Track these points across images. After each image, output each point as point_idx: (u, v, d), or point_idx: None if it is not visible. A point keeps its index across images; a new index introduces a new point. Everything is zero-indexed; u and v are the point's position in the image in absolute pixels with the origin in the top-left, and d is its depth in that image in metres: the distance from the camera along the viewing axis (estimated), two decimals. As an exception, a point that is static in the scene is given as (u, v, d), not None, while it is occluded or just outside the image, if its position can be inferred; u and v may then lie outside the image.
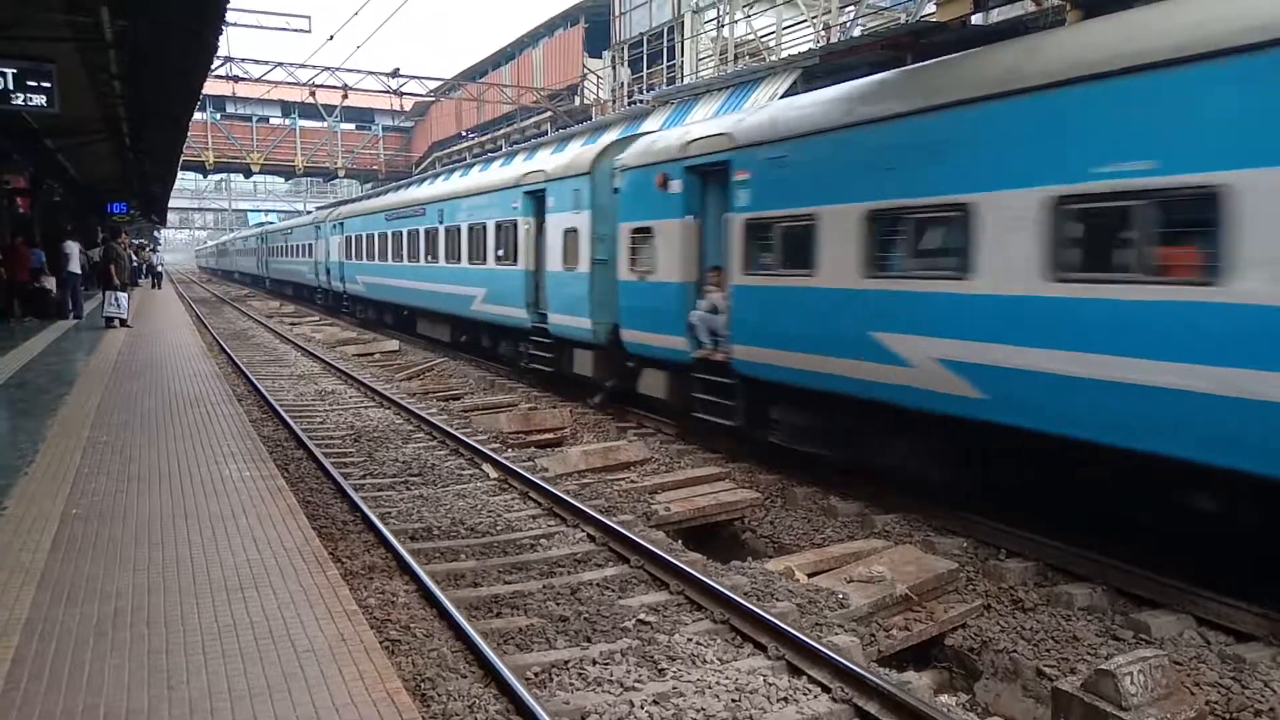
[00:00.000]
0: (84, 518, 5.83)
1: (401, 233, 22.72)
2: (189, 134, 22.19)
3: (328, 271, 32.36)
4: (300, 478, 9.05)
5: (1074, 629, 6.27)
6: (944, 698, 5.63)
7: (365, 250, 26.51)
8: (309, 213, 47.82)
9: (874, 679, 4.74)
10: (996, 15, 11.46)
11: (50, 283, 20.01)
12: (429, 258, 20.36)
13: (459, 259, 18.22)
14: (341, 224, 30.18)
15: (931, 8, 14.98)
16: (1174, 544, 6.71)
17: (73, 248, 19.86)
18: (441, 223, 19.47)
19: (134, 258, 29.11)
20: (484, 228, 16.73)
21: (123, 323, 18.61)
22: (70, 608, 4.41)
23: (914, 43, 9.13)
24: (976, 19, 11.11)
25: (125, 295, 18.84)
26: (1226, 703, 5.31)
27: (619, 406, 13.69)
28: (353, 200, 36.05)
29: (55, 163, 21.46)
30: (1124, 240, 6.14)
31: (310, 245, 35.84)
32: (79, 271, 20.30)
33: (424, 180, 27.12)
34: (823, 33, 20.84)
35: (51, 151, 19.55)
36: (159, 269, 42.71)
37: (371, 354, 21.26)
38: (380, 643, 4.59)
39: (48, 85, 10.77)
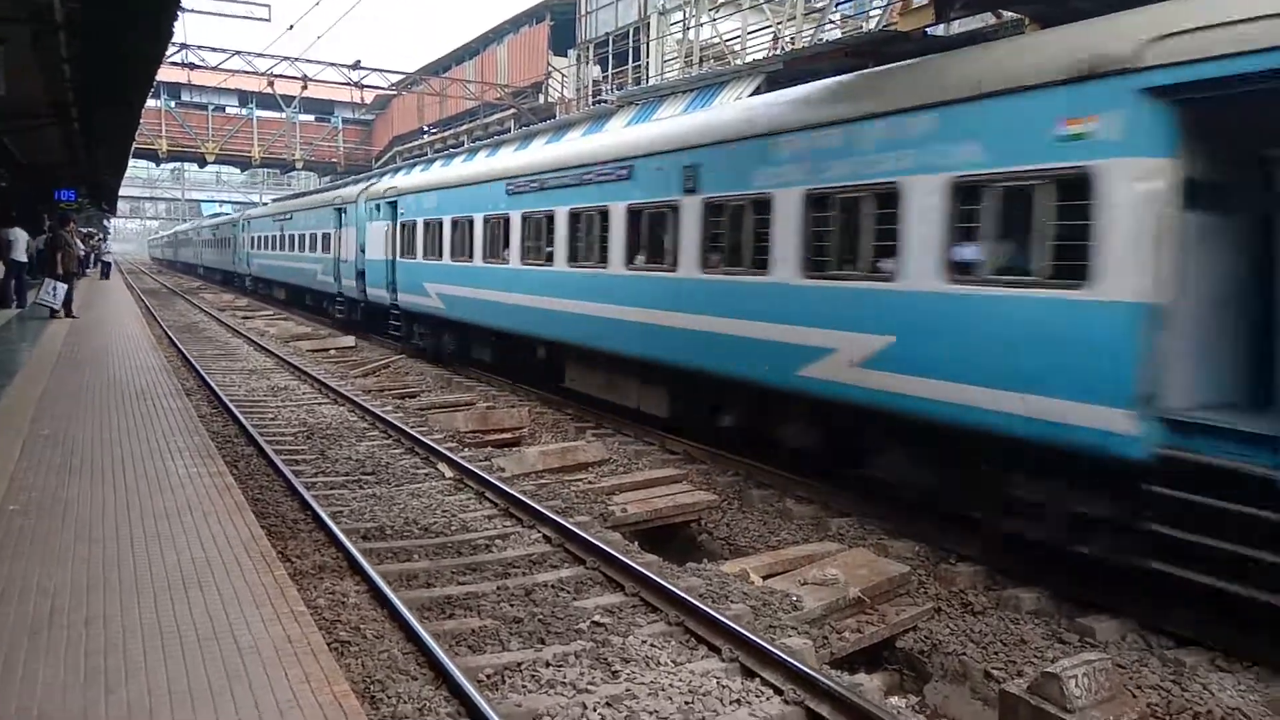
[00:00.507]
0: (22, 512, 5.65)
1: (547, 216, 13.32)
2: (142, 121, 21.68)
3: (359, 274, 22.45)
4: (249, 475, 8.87)
5: (1022, 632, 6.38)
6: (894, 699, 5.68)
7: (449, 244, 17.07)
8: (314, 191, 37.44)
9: (826, 681, 4.77)
10: (958, 26, 11.64)
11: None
12: (650, 260, 11.03)
13: (764, 266, 9.10)
14: (393, 204, 20.12)
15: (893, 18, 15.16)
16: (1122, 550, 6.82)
17: (17, 234, 19.24)
18: (696, 190, 10.03)
19: (82, 246, 28.29)
20: (901, 190, 7.55)
21: (67, 312, 18.09)
22: (4, 606, 4.26)
23: (877, 51, 9.23)
24: (938, 30, 11.25)
25: (63, 286, 18.29)
26: (1167, 705, 5.44)
27: (578, 405, 13.62)
28: (407, 163, 26.15)
29: (1, 147, 20.80)
30: None
31: (325, 236, 26.13)
32: (24, 259, 19.67)
33: (605, 117, 15.55)
34: (783, 41, 21.00)
35: (-3, 135, 18.96)
36: (106, 258, 40.46)
37: (326, 349, 20.95)
38: (329, 644, 4.51)
39: (-7, 67, 10.44)
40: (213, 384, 13.79)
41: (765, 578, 6.86)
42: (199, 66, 33.35)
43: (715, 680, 4.98)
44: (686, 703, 4.73)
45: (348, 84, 36.57)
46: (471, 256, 16.03)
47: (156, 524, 5.58)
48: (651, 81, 24.69)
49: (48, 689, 3.52)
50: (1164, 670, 5.80)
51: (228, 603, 4.44)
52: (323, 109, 53.42)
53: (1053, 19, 7.48)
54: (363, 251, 22.17)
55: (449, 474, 9.33)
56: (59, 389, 10.07)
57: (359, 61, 35.17)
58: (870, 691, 5.03)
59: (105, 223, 62.59)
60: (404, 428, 11.02)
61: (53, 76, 13.58)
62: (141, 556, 5.01)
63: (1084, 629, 6.33)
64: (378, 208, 21.25)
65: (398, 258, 19.68)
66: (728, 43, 23.93)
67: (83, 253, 27.42)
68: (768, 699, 4.84)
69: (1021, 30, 8.61)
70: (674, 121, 11.93)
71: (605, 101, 23.45)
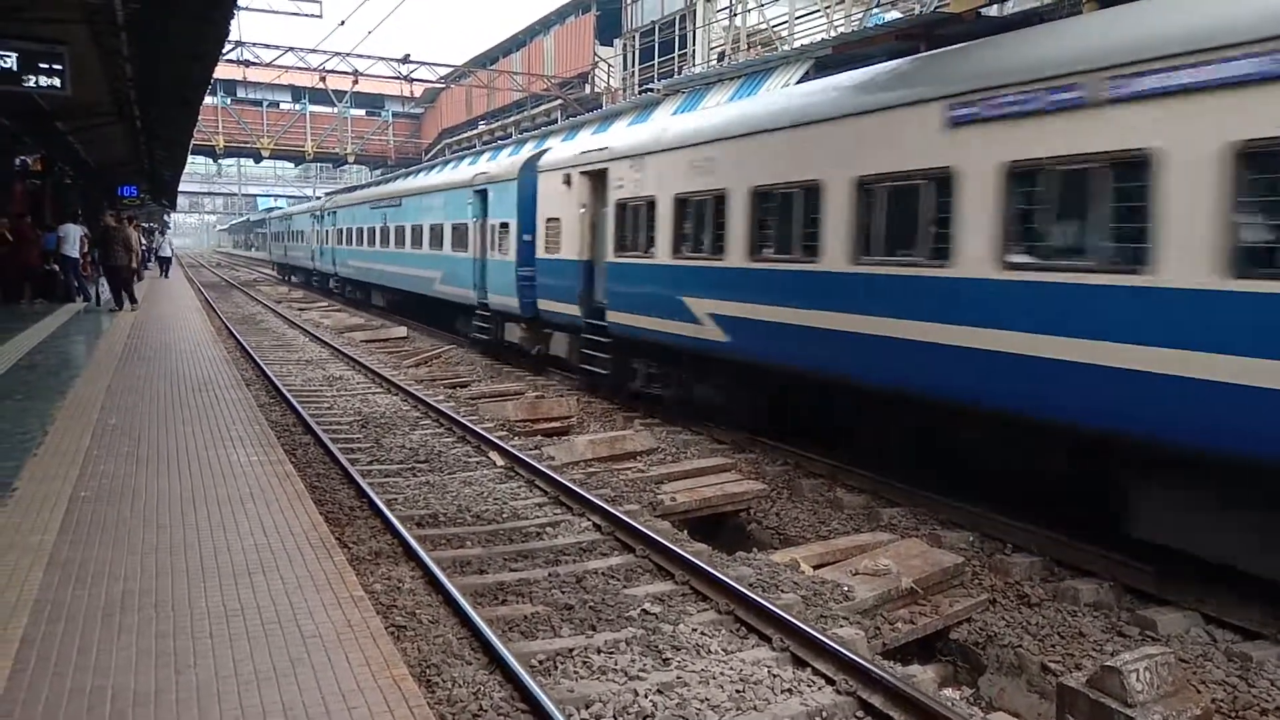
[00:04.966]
0: (92, 500, 5.85)
1: None
2: (199, 118, 22.19)
3: None
4: (307, 463, 9.08)
5: (1080, 625, 6.27)
6: (948, 691, 5.63)
7: None
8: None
9: (878, 671, 4.73)
10: (1012, 6, 11.37)
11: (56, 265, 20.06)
12: None
13: None
14: None
15: (946, -2, 14.85)
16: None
17: (69, 230, 19.80)
18: None
19: (142, 241, 28.78)
20: None
21: (119, 304, 18.60)
22: (79, 589, 4.43)
23: (928, 34, 9.06)
24: (991, 11, 11.01)
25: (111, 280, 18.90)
26: (1232, 701, 5.31)
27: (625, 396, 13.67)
28: None
29: (66, 145, 21.50)
30: None
31: None
32: (75, 255, 20.21)
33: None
34: (836, 23, 20.70)
35: (62, 134, 19.58)
36: (165, 253, 38.44)
37: (379, 340, 21.29)
38: (386, 628, 4.59)
39: (60, 67, 10.78)
40: (271, 374, 14.12)
41: (816, 568, 6.83)
42: (253, 63, 34.03)
43: (766, 669, 4.98)
44: (738, 691, 4.74)
45: (397, 78, 37.00)
46: None
47: (220, 511, 5.74)
48: (697, 69, 24.56)
49: (121, 669, 3.66)
50: (1229, 665, 5.65)
51: (290, 588, 4.56)
52: (373, 103, 54.15)
53: (1112, -3, 7.26)
54: None
55: (500, 462, 9.44)
56: (124, 381, 10.40)
57: (408, 55, 35.56)
58: (924, 683, 4.98)
59: (165, 218, 64.09)
60: (455, 417, 11.18)
61: (115, 76, 13.99)
62: (207, 542, 5.16)
63: (1145, 622, 6.20)
64: None
65: None
66: (775, 28, 23.67)
67: (143, 247, 27.87)
68: (819, 689, 4.83)
69: (1079, 9, 8.38)
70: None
71: (651, 90, 23.40)
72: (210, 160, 55.32)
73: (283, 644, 3.93)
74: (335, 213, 35.18)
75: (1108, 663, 5.02)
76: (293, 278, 48.91)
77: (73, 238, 19.84)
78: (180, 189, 51.01)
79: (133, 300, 18.93)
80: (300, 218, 45.27)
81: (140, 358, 12.38)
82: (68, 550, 4.93)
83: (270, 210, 66.19)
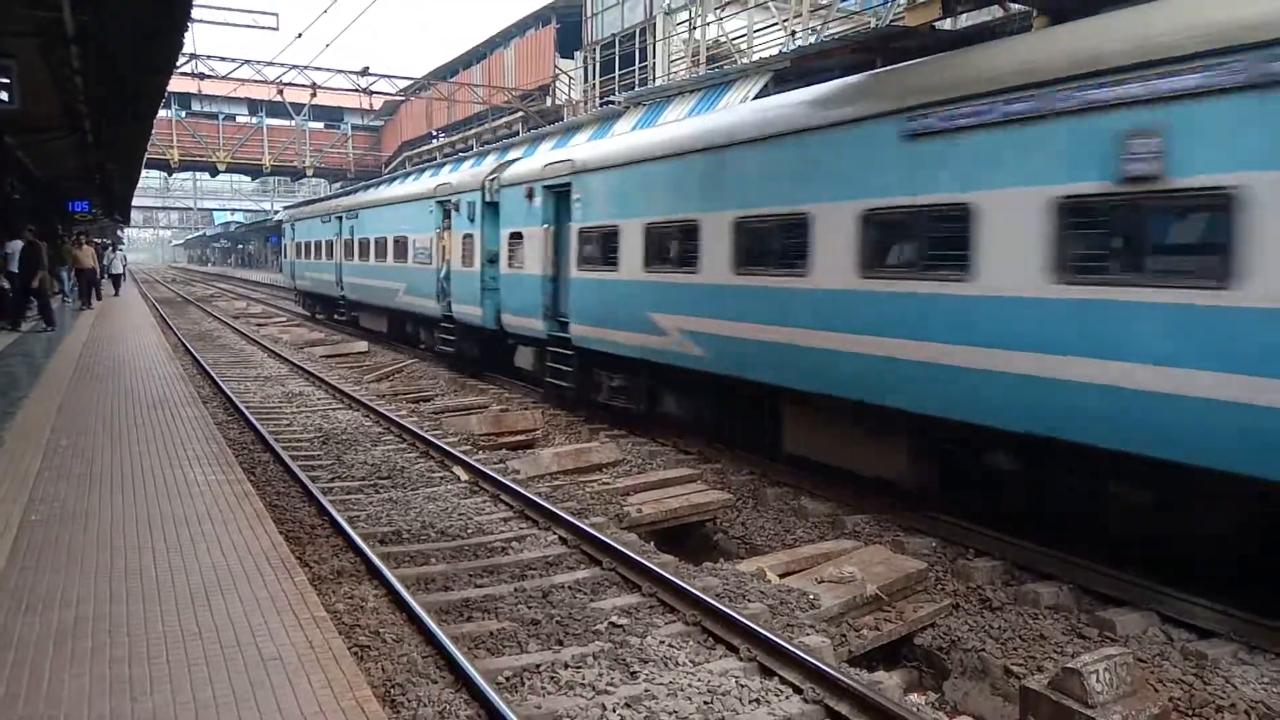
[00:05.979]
0: (43, 523, 5.70)
1: None
2: (154, 131, 21.81)
3: None
4: (267, 481, 8.93)
5: (1041, 627, 6.36)
6: (914, 697, 5.68)
7: None
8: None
9: (845, 679, 4.77)
10: (965, 20, 11.59)
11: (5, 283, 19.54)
12: None
13: None
14: None
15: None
16: (1137, 542, 6.82)
17: (15, 246, 19.33)
18: None
19: (93, 255, 27.85)
20: None
21: (11, 326, 18.27)
22: (29, 616, 4.31)
23: (884, 47, 9.21)
24: (945, 24, 11.21)
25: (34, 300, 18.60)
26: (1189, 699, 5.41)
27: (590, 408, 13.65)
28: None
29: (14, 160, 21.00)
30: None
31: None
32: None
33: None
34: (792, 37, 20.93)
35: (10, 148, 19.14)
36: (118, 270, 36.64)
37: (340, 355, 21.04)
38: (349, 649, 4.54)
39: (7, 81, 10.56)
40: (228, 391, 13.88)
41: (782, 576, 6.86)
42: (209, 76, 33.52)
43: (734, 680, 4.99)
44: (705, 703, 4.74)
45: (356, 90, 36.71)
46: None
47: (177, 532, 5.62)
48: (658, 82, 24.69)
49: (73, 699, 3.56)
50: (1185, 664, 5.77)
51: (249, 610, 4.47)
52: (332, 116, 53.66)
53: (1060, 13, 7.45)
54: None
55: (464, 477, 9.36)
56: (77, 400, 10.16)
57: (367, 68, 35.30)
58: (889, 689, 5.02)
59: (119, 233, 62.58)
60: (418, 431, 11.07)
61: (65, 89, 13.71)
62: (163, 565, 5.05)
63: (1104, 623, 6.30)
64: None
65: None
66: (734, 41, 23.88)
67: (90, 267, 26.94)
68: (787, 698, 4.85)
69: (1029, 24, 8.57)
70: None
71: (613, 103, 23.48)
72: (165, 174, 54.39)
73: (242, 667, 3.86)
74: (578, 184, 12.70)
75: (1068, 664, 5.09)
76: (331, 315, 28.58)
77: (19, 255, 19.34)
78: (134, 203, 50.00)
79: (14, 322, 18.49)
80: (388, 211, 21.88)
81: (93, 376, 12.10)
82: (17, 576, 4.80)
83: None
